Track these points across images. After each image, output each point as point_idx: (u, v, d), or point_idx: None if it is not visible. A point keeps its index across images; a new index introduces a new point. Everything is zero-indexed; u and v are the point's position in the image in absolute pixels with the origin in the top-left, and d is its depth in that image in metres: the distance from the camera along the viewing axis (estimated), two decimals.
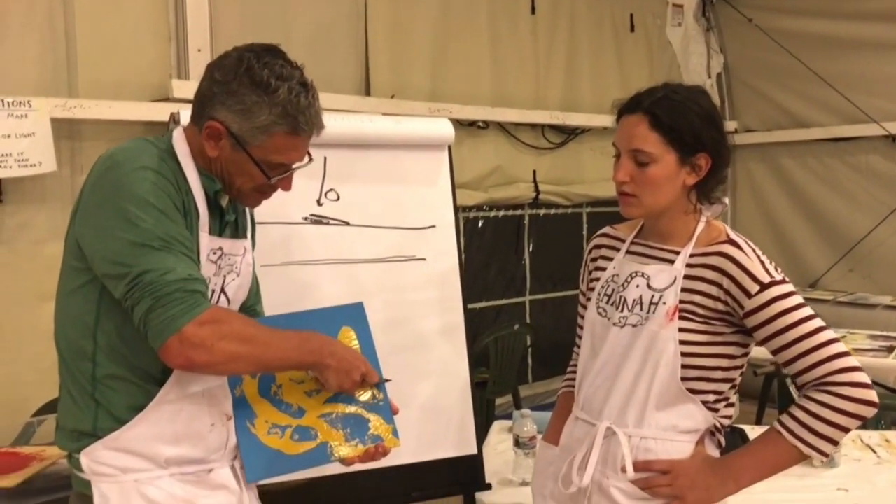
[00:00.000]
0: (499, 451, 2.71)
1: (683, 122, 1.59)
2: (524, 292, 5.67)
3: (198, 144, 1.58)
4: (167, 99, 3.88)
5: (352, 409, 1.70)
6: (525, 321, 5.58)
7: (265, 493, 1.87)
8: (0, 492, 2.14)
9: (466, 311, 2.40)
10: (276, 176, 1.59)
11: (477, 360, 4.75)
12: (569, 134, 5.66)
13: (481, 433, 2.38)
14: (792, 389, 2.90)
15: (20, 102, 3.49)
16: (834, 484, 2.31)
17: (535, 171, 5.49)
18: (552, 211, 5.74)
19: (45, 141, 3.54)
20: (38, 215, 3.68)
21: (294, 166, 1.62)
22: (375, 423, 1.70)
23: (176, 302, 1.40)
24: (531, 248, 5.67)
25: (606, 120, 5.67)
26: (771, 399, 5.24)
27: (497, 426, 2.99)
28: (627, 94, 1.67)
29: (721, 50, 6.45)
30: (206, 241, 1.58)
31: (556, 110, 5.49)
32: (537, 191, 5.46)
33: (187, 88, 3.86)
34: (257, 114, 1.50)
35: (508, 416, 5.07)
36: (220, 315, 1.47)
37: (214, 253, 1.62)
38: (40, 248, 3.61)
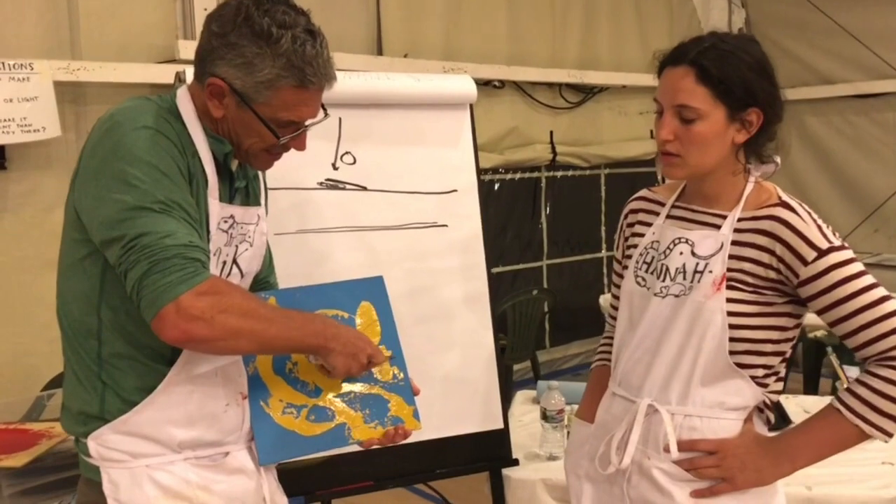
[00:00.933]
0: (524, 422, 2.61)
1: (733, 73, 1.46)
2: (541, 257, 5.57)
3: (203, 104, 1.46)
4: (173, 60, 3.79)
5: (371, 388, 1.61)
6: (542, 286, 5.49)
7: (282, 472, 1.78)
8: (8, 471, 2.07)
9: (491, 279, 2.29)
10: (287, 135, 1.47)
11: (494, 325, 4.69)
12: (587, 93, 5.53)
13: (504, 404, 2.28)
14: (833, 359, 2.79)
15: (21, 65, 3.39)
16: (879, 458, 2.22)
17: (552, 132, 5.39)
18: (569, 173, 5.63)
19: (48, 105, 3.45)
20: (44, 182, 3.59)
21: (307, 123, 1.49)
22: (395, 403, 1.61)
23: (175, 268, 1.28)
24: (548, 212, 5.56)
25: (625, 78, 5.56)
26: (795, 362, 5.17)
27: (520, 396, 2.90)
28: (646, 51, 1.54)
29: (742, 4, 6.27)
30: (217, 209, 1.47)
31: (573, 69, 5.36)
32: (554, 152, 5.36)
33: (193, 49, 3.74)
34: (259, 67, 1.38)
35: (526, 383, 5.09)
36: (220, 286, 1.35)
37: (225, 221, 1.50)
38: (47, 215, 3.53)
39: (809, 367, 4.91)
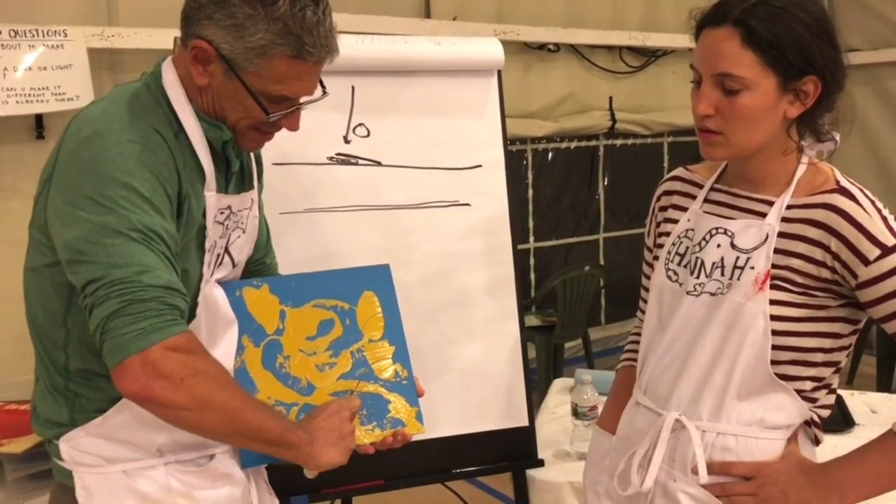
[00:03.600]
0: (557, 414, 2.43)
1: (786, 35, 1.22)
2: (598, 230, 5.34)
3: (190, 79, 1.30)
4: None
5: (370, 387, 1.48)
6: (598, 261, 5.27)
7: (284, 469, 1.66)
8: (10, 457, 2.01)
9: (517, 264, 2.10)
10: (278, 112, 1.31)
11: (544, 301, 4.51)
12: (649, 56, 5.23)
13: (544, 386, 2.09)
14: None
15: (55, 32, 3.32)
16: None
17: (611, 98, 5.13)
18: (629, 141, 5.36)
19: (82, 73, 3.38)
20: None
21: (301, 101, 1.33)
22: (397, 404, 1.48)
23: (149, 313, 1.13)
24: (606, 182, 5.32)
25: (691, 40, 5.20)
26: (868, 345, 4.84)
27: (558, 385, 2.71)
28: (705, 7, 1.31)
29: None
30: (214, 201, 1.34)
31: (634, 31, 5.08)
32: (613, 119, 5.11)
33: None
34: (252, 31, 1.22)
35: (577, 361, 4.89)
36: (196, 345, 1.20)
37: (222, 213, 1.38)
38: None
39: (884, 352, 4.57)
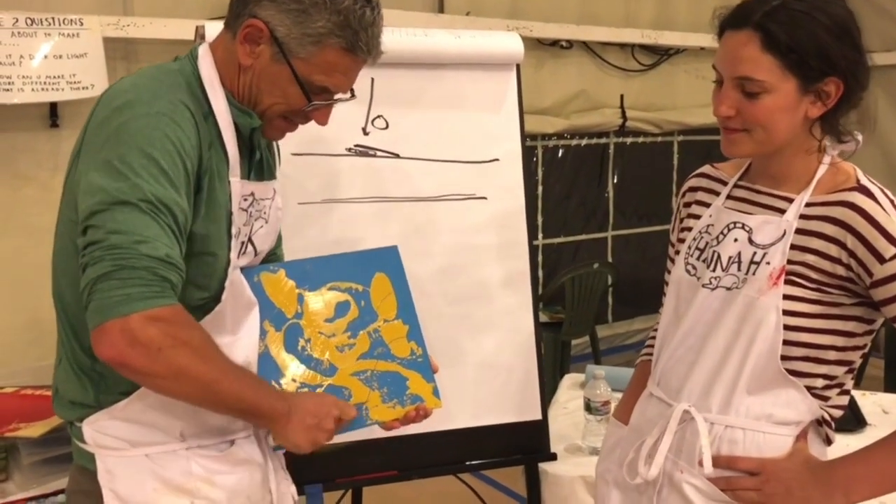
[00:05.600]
0: (568, 409, 2.44)
1: (807, 39, 1.22)
2: (606, 227, 5.34)
3: (227, 63, 1.33)
4: (224, 16, 3.67)
5: (389, 365, 1.51)
6: (606, 258, 5.27)
7: (302, 460, 1.67)
8: (27, 441, 2.02)
9: (533, 258, 2.10)
10: (316, 101, 1.34)
11: (552, 298, 4.52)
12: (661, 55, 5.22)
13: (551, 382, 2.10)
14: None
15: (71, 20, 3.33)
16: None
17: (622, 96, 5.11)
18: (640, 139, 5.35)
19: (97, 62, 3.39)
20: None
21: (336, 97, 1.38)
22: (414, 381, 1.52)
23: (138, 281, 1.14)
24: (616, 180, 5.31)
25: (704, 39, 5.21)
26: (875, 347, 4.83)
27: (568, 381, 2.72)
28: (729, 6, 1.31)
29: None
30: (238, 187, 1.35)
31: (647, 28, 5.05)
32: (624, 117, 5.10)
33: None
34: (314, 17, 1.27)
35: (583, 358, 4.90)
36: (182, 318, 1.20)
37: (245, 200, 1.39)
38: None
39: (892, 354, 4.56)
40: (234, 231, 1.35)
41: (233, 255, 1.36)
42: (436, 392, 1.52)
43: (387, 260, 1.56)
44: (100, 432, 1.32)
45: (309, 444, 1.32)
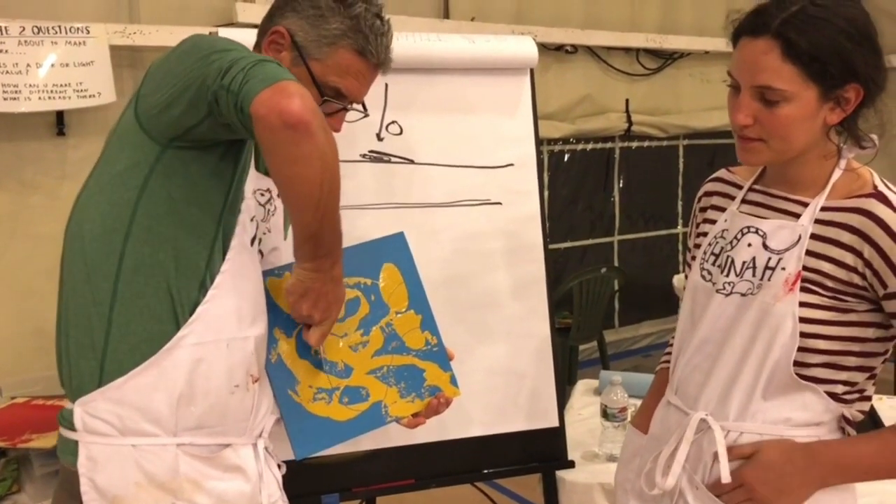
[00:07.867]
0: (583, 416, 2.42)
1: (828, 45, 1.20)
2: (613, 232, 5.33)
3: None
4: (232, 24, 3.68)
5: (405, 359, 1.51)
6: (613, 263, 5.26)
7: (315, 467, 1.65)
8: (39, 452, 2.00)
9: (549, 264, 2.09)
10: (328, 100, 1.40)
11: (559, 303, 4.50)
12: (666, 59, 5.22)
13: (560, 388, 2.08)
14: None
15: (77, 29, 3.32)
16: None
17: (627, 101, 5.12)
18: (645, 144, 5.35)
19: (104, 70, 3.38)
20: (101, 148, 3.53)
21: (348, 105, 1.45)
22: (431, 372, 1.52)
23: (284, 71, 1.20)
24: (621, 185, 5.31)
25: (709, 43, 5.22)
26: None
27: (581, 387, 2.70)
28: (743, 10, 1.29)
29: None
30: (254, 176, 1.41)
31: (652, 33, 5.06)
32: (630, 122, 5.09)
33: (253, 12, 3.65)
34: (329, 20, 1.39)
35: (591, 363, 4.88)
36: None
37: (262, 195, 1.45)
38: None
39: None
40: (247, 216, 1.36)
41: (246, 239, 1.36)
42: (453, 380, 1.52)
43: (394, 248, 1.53)
44: (90, 414, 1.26)
45: (314, 306, 1.32)
